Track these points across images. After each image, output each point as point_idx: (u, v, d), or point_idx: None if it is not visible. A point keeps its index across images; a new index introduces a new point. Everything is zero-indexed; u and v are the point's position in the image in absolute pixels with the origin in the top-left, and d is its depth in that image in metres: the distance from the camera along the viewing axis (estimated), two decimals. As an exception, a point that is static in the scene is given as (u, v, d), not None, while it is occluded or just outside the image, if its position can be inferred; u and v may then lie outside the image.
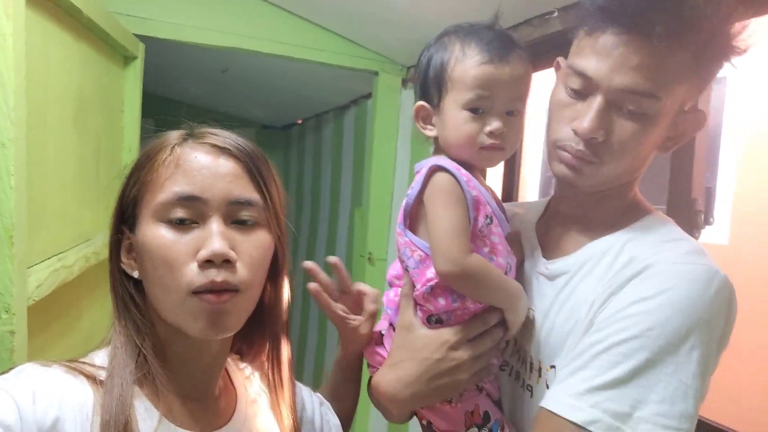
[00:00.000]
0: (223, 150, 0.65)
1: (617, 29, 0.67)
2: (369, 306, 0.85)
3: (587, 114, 0.70)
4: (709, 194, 1.04)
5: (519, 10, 1.45)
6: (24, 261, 0.92)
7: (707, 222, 1.02)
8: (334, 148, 2.94)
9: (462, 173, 0.77)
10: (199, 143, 0.65)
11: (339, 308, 0.84)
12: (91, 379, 0.60)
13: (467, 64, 0.77)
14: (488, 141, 0.77)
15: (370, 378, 0.89)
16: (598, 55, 0.69)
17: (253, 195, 0.65)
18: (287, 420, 0.74)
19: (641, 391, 0.63)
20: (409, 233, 0.79)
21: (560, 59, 0.82)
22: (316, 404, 0.85)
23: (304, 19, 1.95)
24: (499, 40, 0.77)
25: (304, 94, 2.80)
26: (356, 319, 0.84)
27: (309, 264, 0.85)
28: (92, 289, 1.39)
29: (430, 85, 0.81)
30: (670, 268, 0.67)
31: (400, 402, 0.78)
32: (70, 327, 1.28)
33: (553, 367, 0.76)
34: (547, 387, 0.75)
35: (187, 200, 0.61)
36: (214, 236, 0.61)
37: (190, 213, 0.62)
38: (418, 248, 0.78)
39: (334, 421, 0.86)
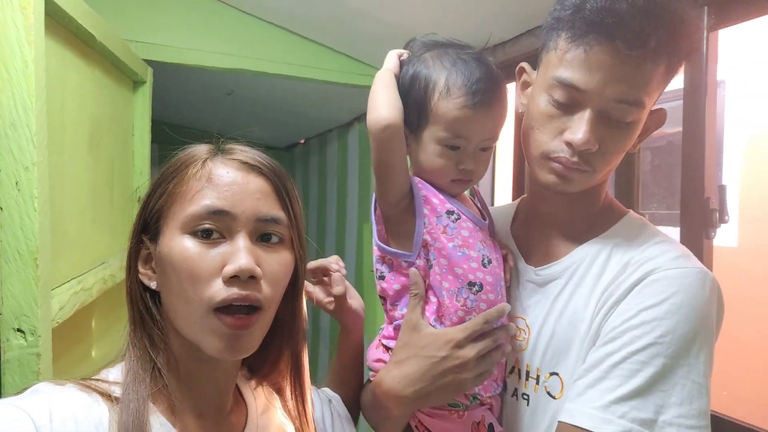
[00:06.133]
0: (253, 167, 0.65)
1: (611, 44, 0.68)
2: (335, 289, 0.90)
3: (580, 127, 0.71)
4: (722, 192, 1.04)
5: (521, 22, 1.48)
6: (48, 283, 0.93)
7: (722, 220, 1.03)
8: (339, 166, 2.96)
9: (424, 185, 0.82)
10: (229, 159, 0.66)
11: (317, 293, 0.93)
12: (106, 396, 0.60)
13: (450, 105, 0.78)
14: (459, 176, 0.81)
15: (365, 385, 0.91)
16: (589, 69, 0.69)
17: (279, 213, 0.66)
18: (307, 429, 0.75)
19: (662, 395, 0.66)
20: (379, 240, 0.84)
21: (525, 65, 0.83)
22: (324, 402, 0.86)
23: (307, 38, 1.98)
24: (485, 80, 0.78)
25: (309, 113, 2.83)
26: (330, 301, 0.91)
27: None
28: (110, 311, 1.40)
29: (409, 108, 0.81)
30: (669, 274, 0.70)
31: (403, 399, 0.77)
32: (89, 349, 1.28)
33: (554, 374, 0.76)
34: (549, 394, 0.76)
35: (217, 214, 0.62)
36: (242, 252, 0.61)
37: (218, 227, 0.62)
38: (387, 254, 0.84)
39: (344, 413, 0.87)
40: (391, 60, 0.85)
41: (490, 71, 0.80)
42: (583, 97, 0.71)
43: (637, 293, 0.70)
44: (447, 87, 0.78)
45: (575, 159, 0.73)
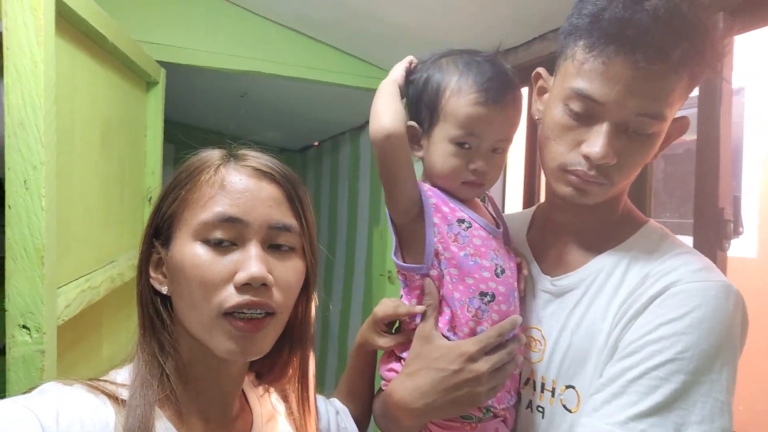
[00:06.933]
0: (265, 174, 0.65)
1: (631, 57, 0.65)
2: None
3: (598, 140, 0.69)
4: (737, 203, 1.02)
5: (533, 26, 1.46)
6: (53, 281, 0.94)
7: (737, 232, 1.00)
8: (351, 169, 2.96)
9: (434, 193, 0.80)
10: (242, 165, 0.65)
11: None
12: (113, 398, 0.60)
13: (461, 101, 0.77)
14: (470, 177, 0.80)
15: (377, 394, 0.89)
16: (608, 82, 0.67)
17: (291, 221, 0.66)
18: None
19: (682, 413, 0.63)
20: (397, 256, 0.82)
21: (542, 70, 0.81)
22: (331, 413, 0.85)
23: (320, 41, 1.99)
24: (497, 80, 0.77)
25: (322, 116, 2.83)
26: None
27: None
28: (117, 310, 1.41)
29: (422, 108, 0.81)
30: (691, 287, 0.67)
31: (414, 411, 0.76)
32: (96, 347, 1.29)
33: (570, 387, 0.75)
34: (565, 407, 0.75)
35: (229, 221, 0.62)
36: (253, 260, 0.61)
37: (230, 234, 0.62)
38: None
39: (351, 427, 0.86)
40: (396, 71, 0.85)
41: (504, 72, 0.79)
42: (602, 109, 0.69)
43: (657, 306, 0.68)
44: (459, 85, 0.77)
45: (593, 172, 0.71)
